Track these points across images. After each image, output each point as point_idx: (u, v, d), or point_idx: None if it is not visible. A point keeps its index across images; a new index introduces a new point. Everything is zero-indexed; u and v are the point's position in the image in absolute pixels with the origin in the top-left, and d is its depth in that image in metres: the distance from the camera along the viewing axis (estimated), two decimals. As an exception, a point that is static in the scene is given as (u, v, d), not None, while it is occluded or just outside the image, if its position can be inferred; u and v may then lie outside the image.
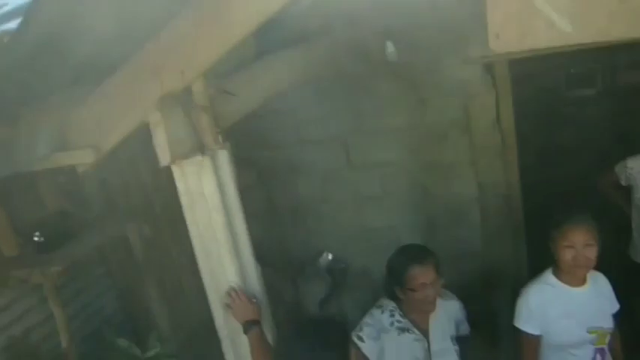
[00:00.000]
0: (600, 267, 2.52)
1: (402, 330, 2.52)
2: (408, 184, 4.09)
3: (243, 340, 2.37)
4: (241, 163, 4.08)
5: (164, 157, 2.16)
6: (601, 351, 2.53)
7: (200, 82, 2.21)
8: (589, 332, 2.48)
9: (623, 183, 3.63)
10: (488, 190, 4.00)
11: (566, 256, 2.41)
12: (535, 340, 2.54)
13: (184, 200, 2.27)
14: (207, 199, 2.24)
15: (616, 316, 2.60)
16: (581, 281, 2.51)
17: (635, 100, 5.17)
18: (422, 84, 3.83)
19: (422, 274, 2.40)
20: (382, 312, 2.56)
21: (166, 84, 2.12)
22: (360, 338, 2.51)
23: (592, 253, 2.40)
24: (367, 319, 2.57)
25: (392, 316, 2.54)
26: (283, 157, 4.21)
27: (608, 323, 2.54)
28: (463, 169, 4.00)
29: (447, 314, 2.61)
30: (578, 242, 2.38)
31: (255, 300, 2.41)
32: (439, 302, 2.54)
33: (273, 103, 3.56)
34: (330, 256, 3.92)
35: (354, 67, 3.66)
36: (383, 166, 4.09)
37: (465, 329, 2.73)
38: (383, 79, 3.86)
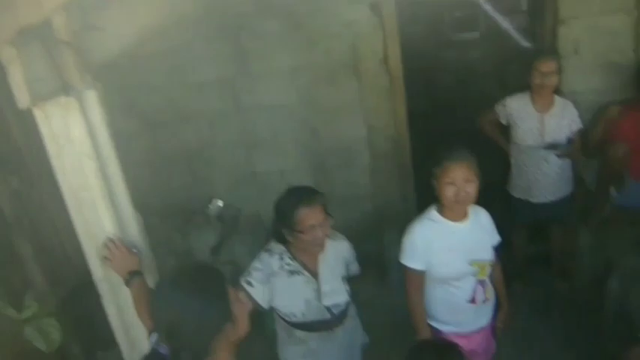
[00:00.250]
0: (481, 201, 2.61)
1: (292, 273, 2.51)
2: (297, 126, 4.04)
3: (125, 293, 2.25)
4: (122, 107, 3.86)
5: (22, 99, 1.95)
6: (482, 282, 2.64)
7: (62, 15, 1.99)
8: (470, 265, 2.57)
9: (503, 122, 3.77)
10: (377, 132, 4.04)
11: (448, 192, 2.47)
12: (420, 276, 2.61)
13: (50, 146, 2.08)
14: (76, 144, 2.06)
15: (497, 249, 2.72)
16: (463, 216, 2.60)
17: (515, 43, 5.39)
18: (309, 24, 3.74)
19: (310, 216, 2.37)
20: (271, 255, 2.53)
21: (21, 16, 1.89)
22: (249, 283, 2.48)
23: (472, 188, 2.47)
24: (256, 264, 2.53)
25: (281, 259, 2.51)
26: (167, 100, 4.00)
27: (489, 255, 2.66)
28: (352, 111, 3.99)
29: (336, 255, 2.62)
30: (459, 178, 2.44)
31: (135, 250, 2.28)
32: (328, 243, 2.54)
33: (155, 42, 3.33)
34: (220, 203, 3.81)
35: (238, 5, 3.50)
36: (271, 108, 4.00)
37: (355, 269, 2.76)
38: (269, 19, 3.72)
